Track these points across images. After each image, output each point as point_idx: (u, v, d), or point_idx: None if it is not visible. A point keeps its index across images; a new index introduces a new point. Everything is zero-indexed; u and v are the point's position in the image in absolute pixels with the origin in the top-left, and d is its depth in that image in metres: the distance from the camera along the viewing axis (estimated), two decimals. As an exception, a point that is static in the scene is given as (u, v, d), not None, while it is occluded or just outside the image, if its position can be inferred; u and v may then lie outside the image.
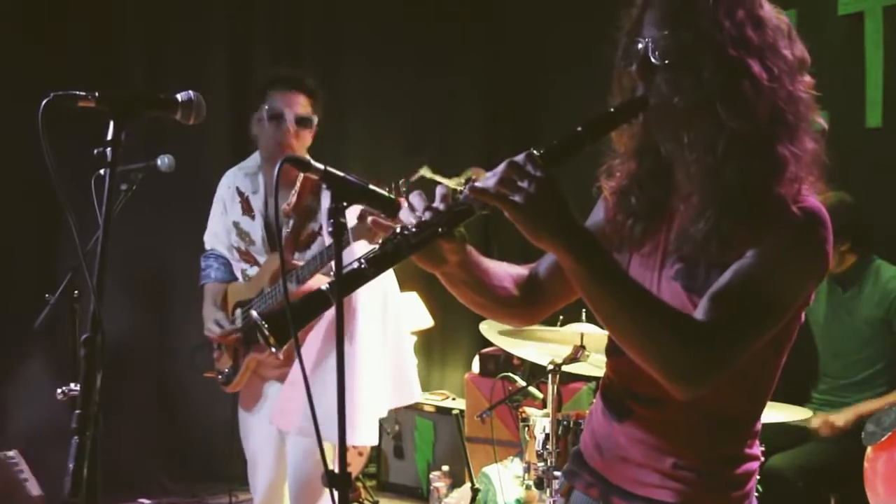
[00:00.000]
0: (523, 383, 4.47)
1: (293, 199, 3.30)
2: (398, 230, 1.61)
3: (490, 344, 4.51)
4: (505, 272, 1.89)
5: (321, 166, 1.65)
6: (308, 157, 3.43)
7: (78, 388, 1.66)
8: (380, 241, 1.63)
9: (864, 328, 4.06)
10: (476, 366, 5.55)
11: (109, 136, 1.75)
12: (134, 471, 5.29)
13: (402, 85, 6.14)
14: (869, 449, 3.49)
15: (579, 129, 1.62)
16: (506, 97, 6.14)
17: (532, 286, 1.92)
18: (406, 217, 1.63)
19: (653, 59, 1.64)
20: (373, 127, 6.13)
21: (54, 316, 3.66)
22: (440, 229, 1.60)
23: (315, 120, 3.37)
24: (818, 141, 1.67)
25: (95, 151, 1.75)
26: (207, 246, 3.72)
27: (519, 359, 5.03)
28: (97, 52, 5.34)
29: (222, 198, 3.61)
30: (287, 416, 3.21)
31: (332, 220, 1.60)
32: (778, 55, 1.63)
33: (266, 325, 1.53)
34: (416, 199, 1.64)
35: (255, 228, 3.48)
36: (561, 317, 3.90)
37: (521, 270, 1.94)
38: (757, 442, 1.79)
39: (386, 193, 1.69)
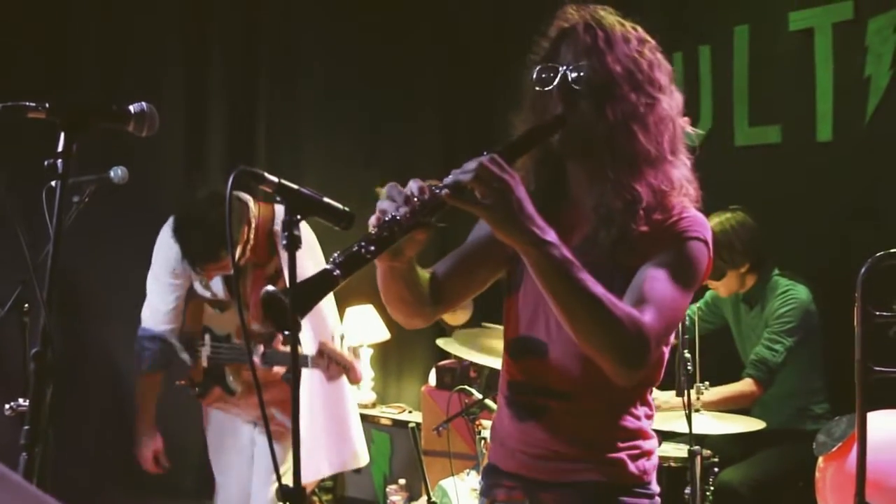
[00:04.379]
0: (480, 396, 4.46)
1: (248, 250, 3.33)
2: (387, 217, 1.65)
3: (447, 356, 4.51)
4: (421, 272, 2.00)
5: (275, 179, 1.64)
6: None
7: (27, 403, 1.63)
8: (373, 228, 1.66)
9: None
10: (433, 378, 5.53)
11: (60, 148, 1.73)
12: (88, 487, 5.19)
13: (357, 98, 6.12)
14: (820, 459, 3.53)
15: (500, 148, 1.76)
16: (462, 108, 6.14)
17: (434, 287, 2.02)
18: (388, 207, 1.68)
19: (574, 85, 1.86)
20: (328, 140, 6.09)
21: (3, 330, 3.60)
22: (429, 219, 1.67)
23: (229, 258, 3.21)
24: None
25: (46, 163, 1.73)
26: (144, 324, 3.69)
27: (476, 371, 5.03)
28: (49, 63, 5.27)
29: (169, 260, 3.56)
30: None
31: (285, 233, 1.59)
32: (673, 96, 1.93)
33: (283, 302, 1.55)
34: (393, 191, 1.70)
35: (215, 283, 3.57)
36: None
37: (426, 272, 2.03)
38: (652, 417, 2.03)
39: (340, 206, 1.68)
